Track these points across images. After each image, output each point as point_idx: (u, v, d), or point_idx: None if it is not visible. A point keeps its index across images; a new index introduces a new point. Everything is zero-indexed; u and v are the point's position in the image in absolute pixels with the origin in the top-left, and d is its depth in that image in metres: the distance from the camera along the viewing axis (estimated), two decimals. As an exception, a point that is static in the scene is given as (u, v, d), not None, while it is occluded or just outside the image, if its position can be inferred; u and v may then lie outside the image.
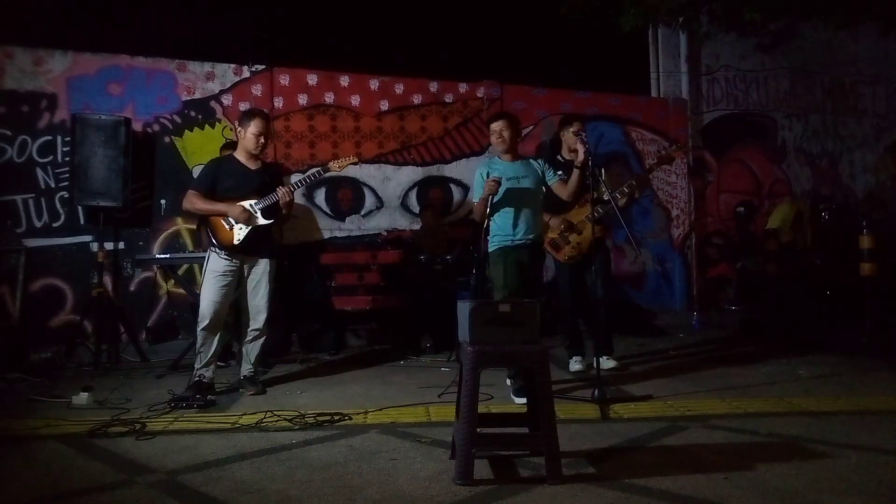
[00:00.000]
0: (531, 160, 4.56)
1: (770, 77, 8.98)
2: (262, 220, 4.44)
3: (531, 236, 4.40)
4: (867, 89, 9.44)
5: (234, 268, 4.43)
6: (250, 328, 4.54)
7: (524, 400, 3.99)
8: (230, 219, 4.38)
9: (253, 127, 4.42)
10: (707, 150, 8.63)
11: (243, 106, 6.75)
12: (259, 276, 4.49)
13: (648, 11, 7.61)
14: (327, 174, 4.71)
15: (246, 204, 4.38)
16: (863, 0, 7.55)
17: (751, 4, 7.68)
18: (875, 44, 9.20)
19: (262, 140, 4.48)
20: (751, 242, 8.23)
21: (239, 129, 4.53)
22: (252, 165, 4.52)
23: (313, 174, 4.72)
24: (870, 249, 5.58)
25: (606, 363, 4.91)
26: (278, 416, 3.72)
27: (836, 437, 3.25)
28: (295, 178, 6.61)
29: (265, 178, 4.52)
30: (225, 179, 4.44)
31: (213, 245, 4.40)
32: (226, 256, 4.39)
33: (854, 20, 7.89)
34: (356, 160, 4.85)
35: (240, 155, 4.54)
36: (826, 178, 9.16)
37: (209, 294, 4.36)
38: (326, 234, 7.00)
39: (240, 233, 4.38)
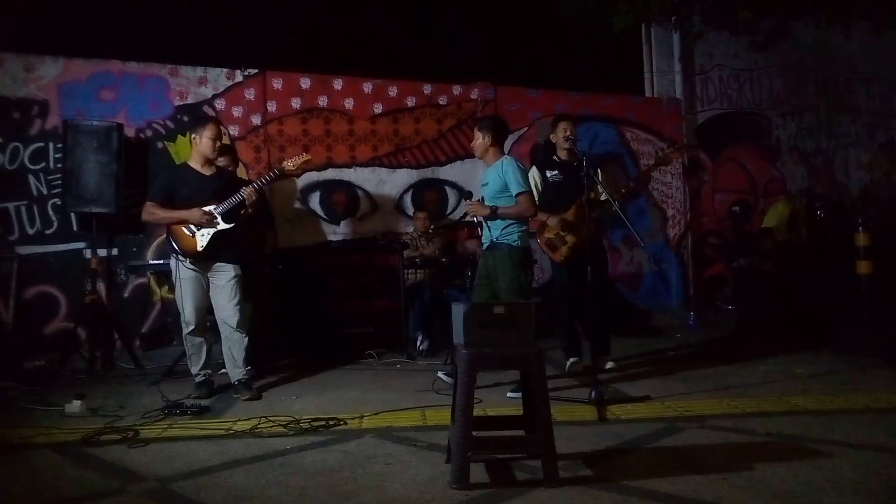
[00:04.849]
0: (502, 164, 4.40)
1: (763, 76, 8.96)
2: (223, 225, 4.46)
3: (490, 241, 4.40)
4: (861, 87, 9.42)
5: (201, 273, 4.49)
6: (224, 334, 4.55)
7: (518, 395, 4.02)
8: (191, 225, 4.41)
9: (209, 132, 4.52)
10: (702, 149, 8.62)
11: (236, 110, 6.73)
12: (225, 281, 4.51)
13: (641, 10, 7.63)
14: (284, 174, 4.81)
15: (206, 208, 4.43)
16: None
17: (743, 2, 7.69)
18: (868, 41, 9.21)
19: (219, 144, 4.60)
20: (747, 241, 8.22)
21: (194, 136, 4.57)
22: (207, 171, 4.57)
23: (268, 175, 4.73)
24: (865, 247, 5.56)
25: (604, 364, 4.90)
26: (273, 421, 3.69)
27: (835, 436, 3.23)
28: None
29: (221, 184, 4.57)
30: (181, 188, 4.50)
31: (177, 253, 4.43)
32: (190, 265, 4.42)
33: (845, 17, 7.90)
34: (309, 157, 4.87)
35: (194, 163, 4.58)
36: (821, 176, 9.16)
37: (188, 300, 4.45)
38: (321, 238, 6.96)
39: (202, 239, 4.42)
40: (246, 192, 4.49)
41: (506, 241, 4.35)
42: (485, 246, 4.47)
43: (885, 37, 9.10)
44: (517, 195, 4.34)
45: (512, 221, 4.37)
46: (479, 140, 4.48)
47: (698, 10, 8.19)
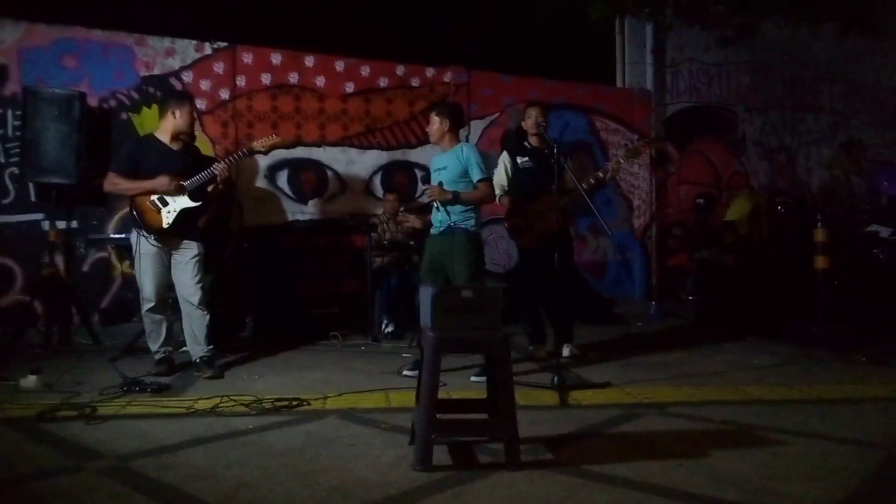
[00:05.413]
0: (462, 150, 4.44)
1: (732, 71, 9.10)
2: (190, 202, 4.39)
3: (443, 226, 4.41)
4: (825, 86, 9.64)
5: (162, 249, 4.42)
6: (185, 311, 4.49)
7: (482, 379, 4.05)
8: (156, 200, 4.33)
9: (189, 107, 4.47)
10: (669, 141, 8.73)
11: (204, 83, 6.59)
12: (188, 258, 4.44)
13: (617, 1, 7.66)
14: (253, 154, 4.82)
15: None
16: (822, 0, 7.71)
17: (714, -3, 7.79)
18: (834, 42, 9.38)
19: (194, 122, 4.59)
20: (709, 234, 8.36)
21: (171, 111, 4.45)
22: (175, 146, 4.48)
23: (237, 154, 4.68)
24: (823, 243, 5.70)
25: (566, 351, 4.96)
26: (235, 400, 3.66)
27: (789, 425, 3.33)
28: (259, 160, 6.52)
29: (188, 160, 4.50)
30: (147, 160, 4.39)
31: (141, 228, 4.34)
32: (154, 242, 4.34)
33: (813, 18, 8.04)
34: (279, 139, 4.86)
35: (162, 135, 4.48)
36: (783, 172, 9.36)
37: (148, 276, 4.37)
38: (288, 217, 6.88)
39: (168, 216, 4.33)
40: (218, 169, 4.43)
41: (463, 226, 4.37)
42: (439, 230, 4.45)
43: (850, 38, 9.29)
44: (478, 181, 4.38)
45: (469, 207, 4.40)
46: (437, 125, 4.51)
47: (671, 2, 8.26)
